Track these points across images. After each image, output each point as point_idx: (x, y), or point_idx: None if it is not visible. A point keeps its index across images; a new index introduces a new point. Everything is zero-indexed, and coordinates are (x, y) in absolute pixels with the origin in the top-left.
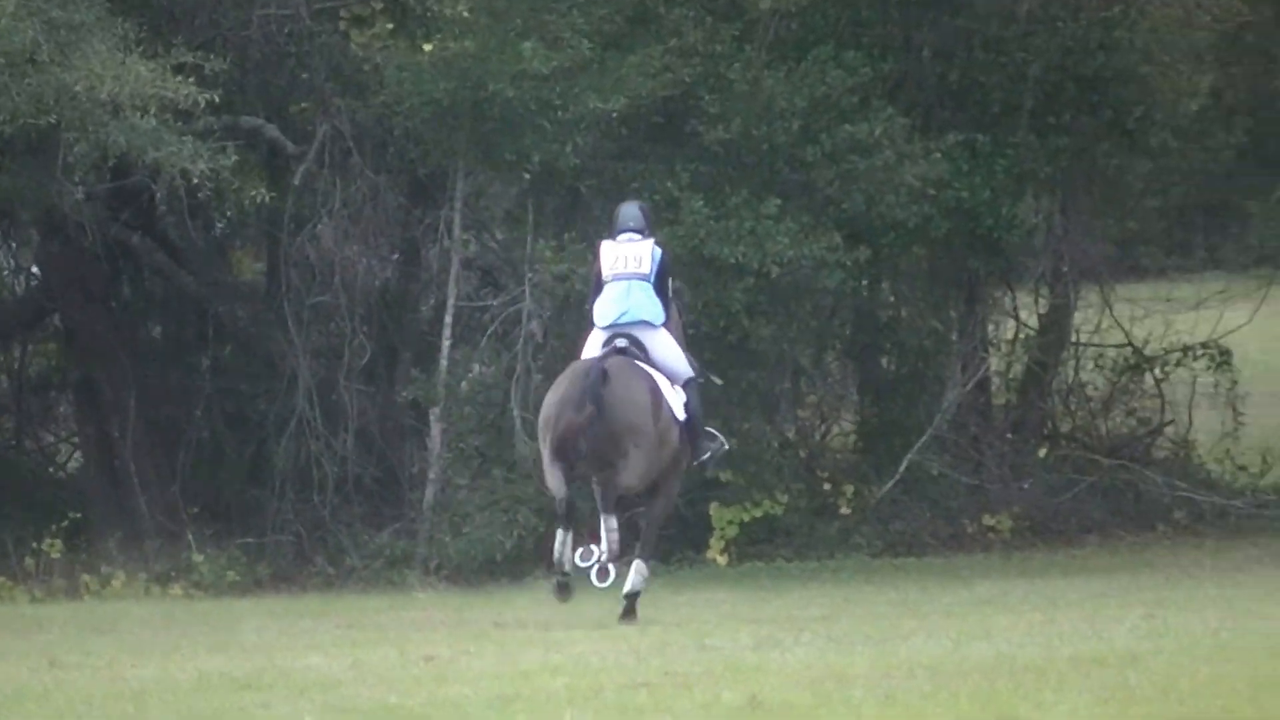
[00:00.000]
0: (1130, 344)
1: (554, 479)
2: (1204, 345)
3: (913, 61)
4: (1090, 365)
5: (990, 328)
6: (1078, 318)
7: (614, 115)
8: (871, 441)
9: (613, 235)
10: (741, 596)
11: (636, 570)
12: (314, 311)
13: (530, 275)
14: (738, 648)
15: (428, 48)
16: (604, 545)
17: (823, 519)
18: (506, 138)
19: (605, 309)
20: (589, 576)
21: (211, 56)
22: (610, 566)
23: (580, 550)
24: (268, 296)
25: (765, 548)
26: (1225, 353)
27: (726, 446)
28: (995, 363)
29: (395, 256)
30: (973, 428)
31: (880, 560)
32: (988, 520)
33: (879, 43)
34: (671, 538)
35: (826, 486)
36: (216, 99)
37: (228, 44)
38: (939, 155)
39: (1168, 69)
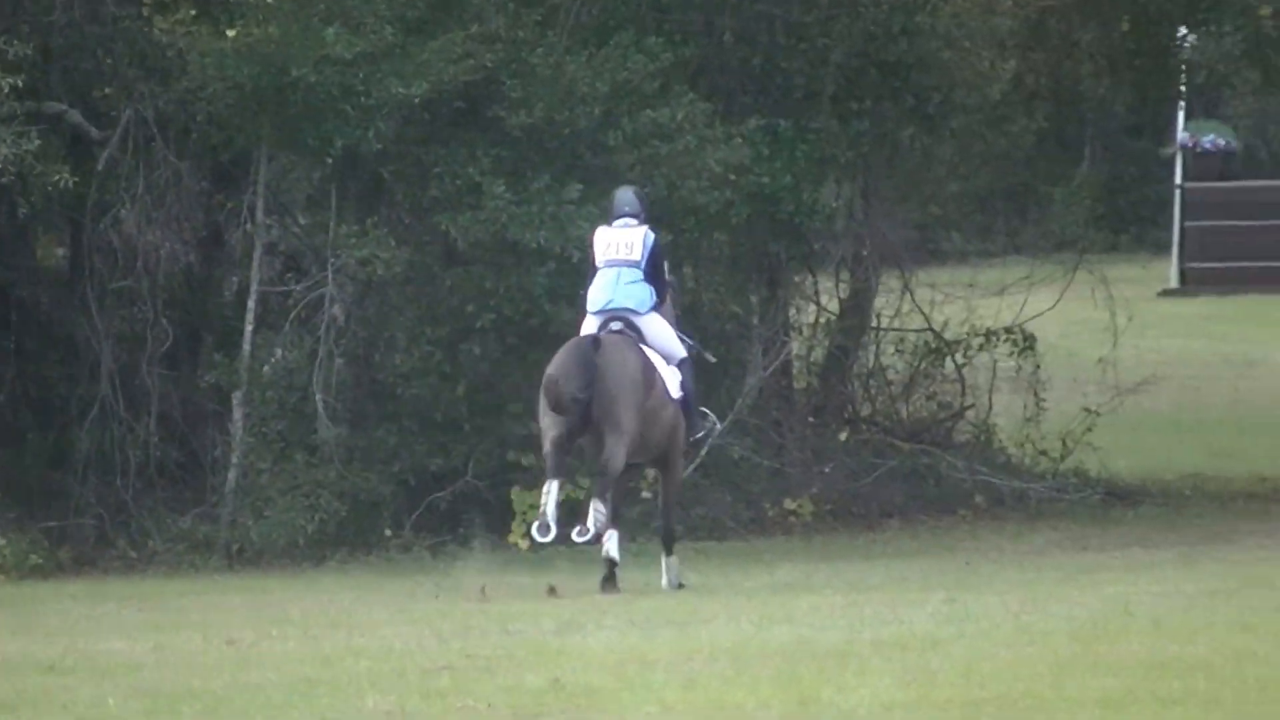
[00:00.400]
0: (931, 328)
1: (547, 434)
2: (1006, 330)
3: (714, 47)
4: (891, 350)
5: (791, 312)
6: (879, 302)
7: (416, 100)
8: None
9: (609, 221)
10: (543, 580)
11: (668, 568)
12: (116, 296)
13: (333, 260)
14: (540, 631)
15: (231, 33)
16: (590, 522)
17: (626, 503)
18: (309, 123)
19: (595, 295)
20: (549, 531)
21: (15, 41)
22: (590, 529)
23: (578, 528)
24: (71, 282)
25: (566, 531)
26: (1028, 337)
27: (719, 426)
28: (796, 347)
29: (198, 240)
30: (774, 412)
31: (683, 544)
32: (789, 504)
33: (681, 28)
34: (472, 521)
35: None
36: (20, 84)
37: (31, 29)
38: (740, 140)
39: (969, 54)
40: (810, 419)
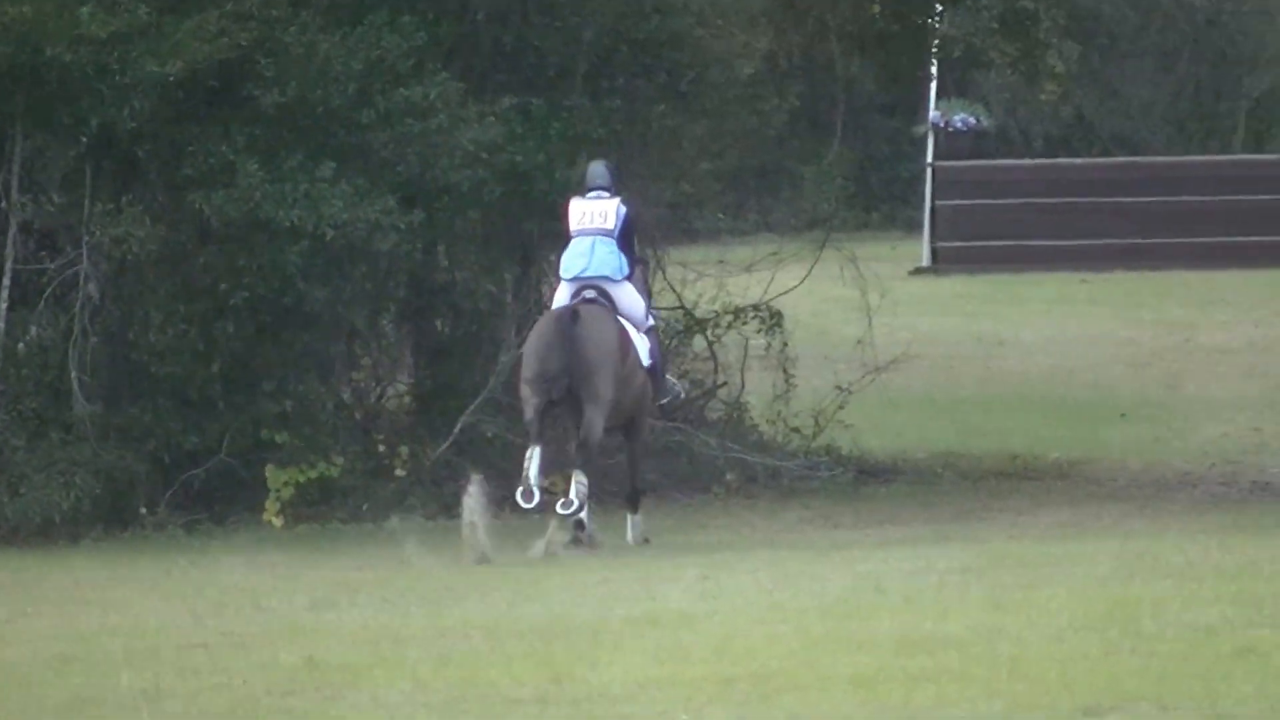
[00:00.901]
0: (683, 306)
1: (528, 411)
2: (755, 308)
3: (468, 25)
4: None
5: (544, 291)
6: None
7: (171, 79)
8: (426, 404)
9: (582, 193)
10: (297, 558)
11: (632, 525)
12: None
13: (87, 238)
14: (294, 609)
15: None
16: (572, 494)
17: (378, 481)
18: (64, 102)
19: (571, 262)
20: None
21: None
22: (574, 500)
23: (561, 500)
24: None
25: (321, 509)
26: (776, 315)
27: (683, 394)
28: None
29: None
30: None
31: (435, 522)
32: (542, 481)
33: (434, 7)
34: (227, 499)
35: (381, 449)
36: None
37: None
38: (493, 119)
39: (722, 32)
40: None
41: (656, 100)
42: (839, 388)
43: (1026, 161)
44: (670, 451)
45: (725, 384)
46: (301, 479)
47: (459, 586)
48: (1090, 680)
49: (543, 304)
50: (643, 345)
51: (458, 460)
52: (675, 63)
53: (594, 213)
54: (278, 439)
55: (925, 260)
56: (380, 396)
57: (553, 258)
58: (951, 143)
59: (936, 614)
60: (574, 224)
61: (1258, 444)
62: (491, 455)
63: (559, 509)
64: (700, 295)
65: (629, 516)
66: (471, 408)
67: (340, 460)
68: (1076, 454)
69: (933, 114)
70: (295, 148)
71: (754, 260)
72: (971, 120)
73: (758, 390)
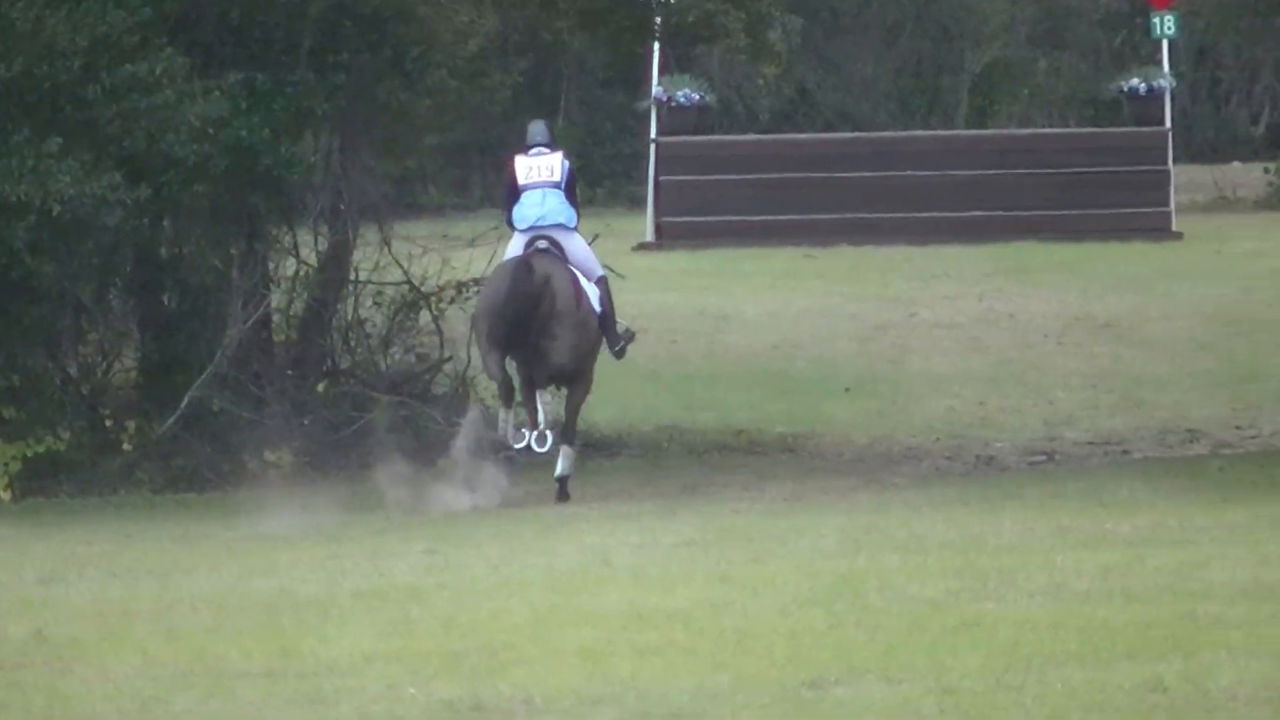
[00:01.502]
0: (409, 281)
1: (492, 364)
2: (476, 281)
3: (193, 1)
4: (370, 303)
5: (271, 265)
6: (357, 255)
7: None
8: (153, 378)
9: (525, 150)
10: (26, 533)
11: (565, 455)
12: None
13: None
14: (22, 583)
15: None
16: (540, 416)
17: (105, 455)
18: None
19: (524, 213)
20: (529, 446)
21: None
22: (548, 432)
23: (513, 432)
24: None
25: (48, 484)
26: None
27: (634, 336)
28: (276, 300)
29: None
30: (254, 364)
31: (163, 496)
32: (269, 456)
33: None
34: None
35: (109, 423)
36: None
37: None
38: (219, 94)
39: (448, 9)
40: (289, 371)
41: (382, 76)
42: None
43: (750, 137)
44: (397, 426)
45: (451, 358)
46: (29, 453)
47: (187, 560)
48: (816, 653)
49: (268, 278)
50: (593, 294)
51: (184, 435)
52: (401, 39)
53: (540, 166)
54: (4, 413)
55: (649, 236)
56: (107, 371)
57: (275, 232)
58: (675, 118)
59: (663, 588)
60: (521, 178)
61: (982, 418)
62: (217, 429)
63: (510, 441)
64: (426, 270)
65: (564, 448)
66: (198, 382)
67: (67, 435)
68: (802, 428)
69: (656, 90)
70: (21, 123)
71: (478, 235)
72: (695, 96)
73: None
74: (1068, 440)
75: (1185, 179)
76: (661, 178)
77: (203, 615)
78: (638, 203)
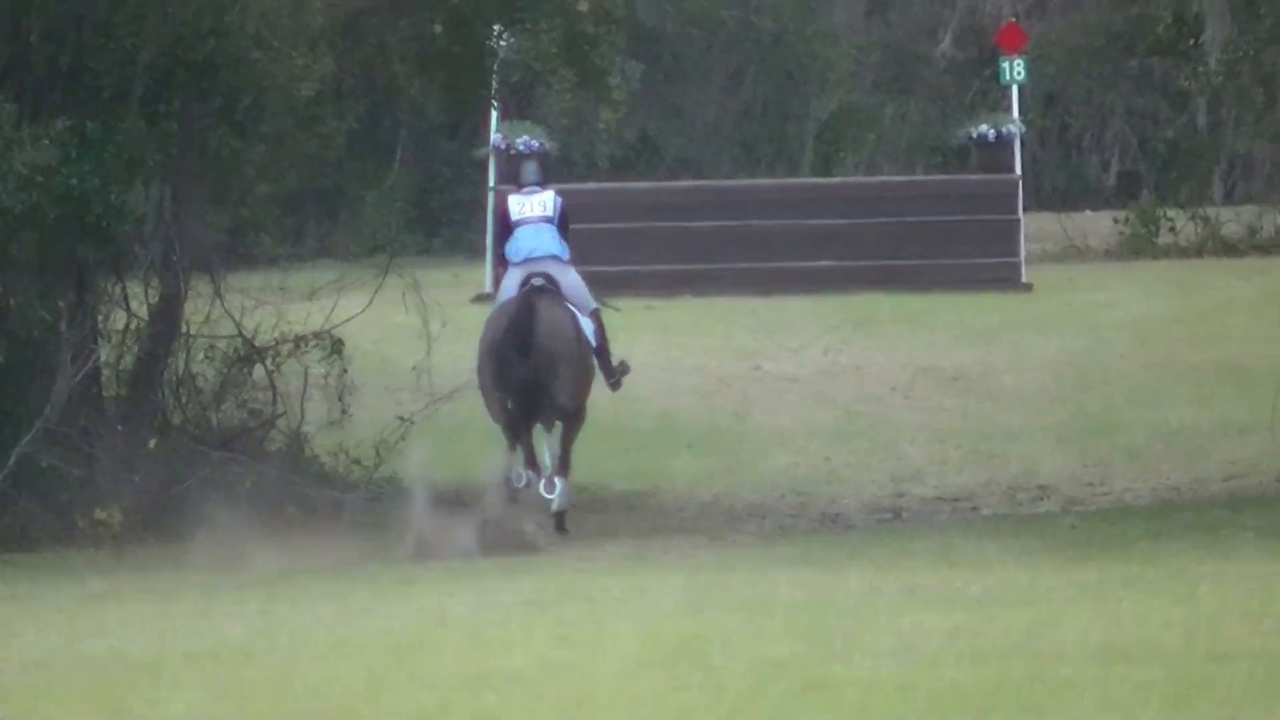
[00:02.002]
0: (242, 334)
1: (495, 406)
2: (316, 335)
3: (21, 46)
4: (202, 356)
5: (100, 318)
6: (189, 308)
7: None
8: None
9: (517, 188)
10: None
11: (562, 491)
12: None
13: None
14: None
15: None
16: (546, 460)
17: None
18: None
19: (519, 246)
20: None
21: None
22: (556, 479)
23: (543, 481)
24: None
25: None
26: (338, 343)
27: (630, 370)
28: (106, 354)
29: None
30: (83, 420)
31: None
32: (99, 514)
33: None
34: None
35: None
36: None
37: None
38: (48, 142)
39: (281, 54)
40: (120, 427)
41: (214, 124)
42: (400, 418)
43: (590, 185)
44: (229, 483)
45: (284, 413)
46: None
47: (15, 621)
48: (659, 715)
49: (98, 331)
50: (588, 328)
51: (12, 493)
52: (233, 85)
53: (533, 203)
54: None
55: (488, 287)
56: None
57: (105, 284)
58: (514, 166)
59: (502, 649)
60: (515, 214)
61: (827, 473)
62: (46, 486)
63: (513, 482)
64: (259, 324)
65: (559, 481)
66: (26, 439)
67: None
68: (643, 485)
69: (495, 136)
70: None
71: (315, 287)
72: (534, 143)
73: (318, 420)
74: (915, 496)
75: (1035, 228)
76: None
77: (32, 677)
78: (477, 252)
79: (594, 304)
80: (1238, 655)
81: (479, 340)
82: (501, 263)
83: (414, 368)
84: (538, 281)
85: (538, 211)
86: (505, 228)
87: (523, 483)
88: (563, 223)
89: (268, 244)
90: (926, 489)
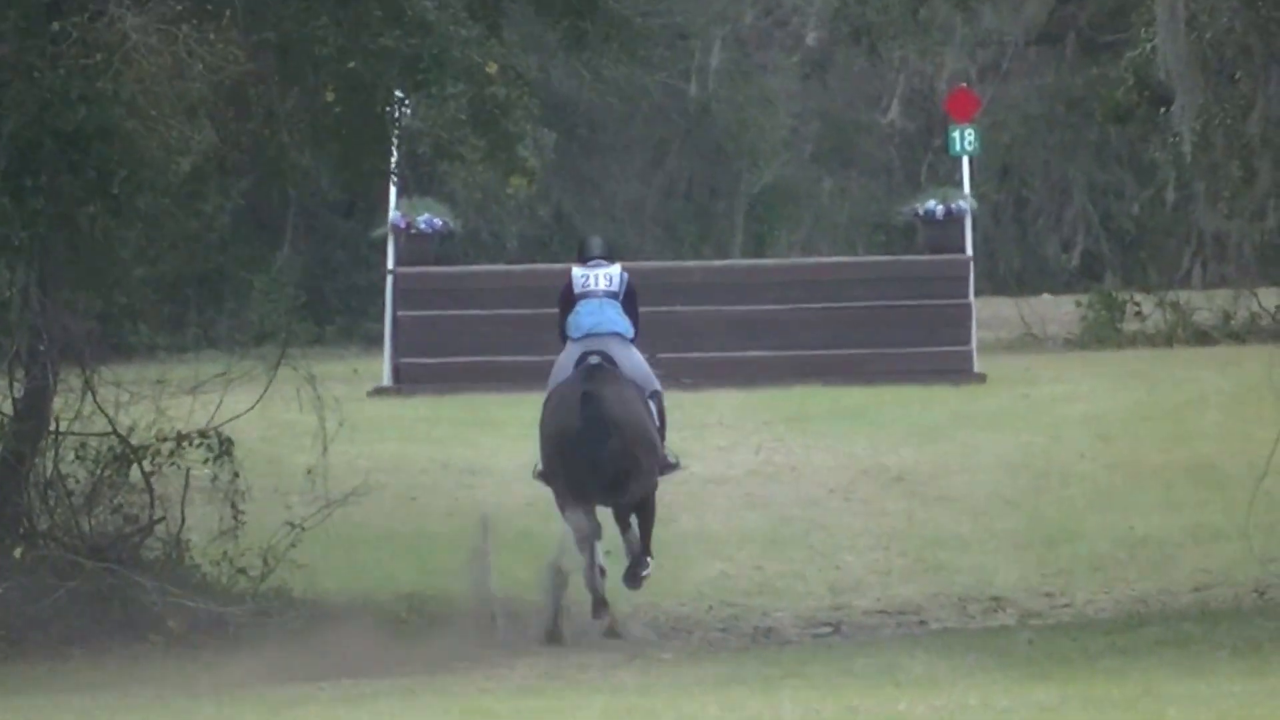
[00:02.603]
0: (116, 432)
1: (574, 514)
2: (201, 434)
3: None
4: (72, 456)
5: None
6: (58, 402)
7: None
8: None
9: (581, 262)
10: None
11: (647, 567)
12: None
13: None
14: None
15: None
16: (628, 554)
17: None
18: None
19: (580, 321)
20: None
21: None
22: (640, 572)
23: (628, 570)
24: None
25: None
26: (226, 442)
27: (680, 465)
28: None
29: None
30: None
31: None
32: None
33: None
34: None
35: None
36: None
37: None
38: None
39: (158, 124)
40: None
41: (85, 200)
42: (290, 524)
43: (499, 267)
44: (102, 595)
45: (163, 519)
46: None
47: None
48: None
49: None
50: (652, 407)
51: None
52: (106, 158)
53: (598, 276)
54: None
55: (386, 379)
56: None
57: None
58: (415, 246)
59: None
60: (578, 288)
61: (759, 584)
62: None
63: (627, 583)
64: (137, 420)
65: (645, 559)
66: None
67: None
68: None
69: (394, 215)
70: None
71: (200, 381)
72: (437, 222)
73: (200, 526)
74: (856, 609)
75: (989, 313)
76: (400, 313)
77: None
78: (374, 341)
79: (656, 385)
80: None
81: (540, 424)
82: (561, 339)
83: (309, 471)
84: (594, 359)
85: (602, 285)
86: (567, 302)
87: (605, 615)
88: (628, 299)
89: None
90: (868, 601)
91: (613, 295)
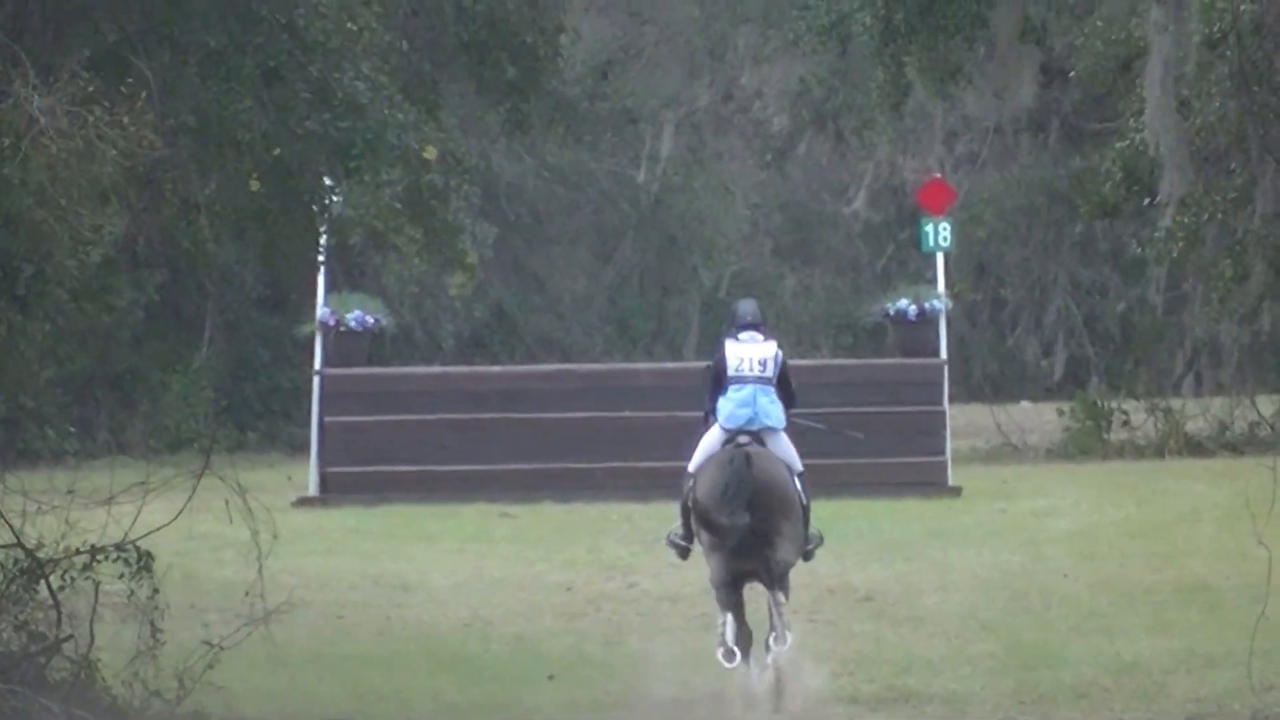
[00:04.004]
0: (21, 545)
1: (719, 572)
2: (118, 547)
3: None
4: None
5: None
6: None
7: None
8: None
9: (734, 331)
10: None
11: (789, 643)
12: None
13: None
14: None
15: None
16: (775, 619)
17: None
18: None
19: (733, 411)
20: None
21: None
22: (786, 634)
23: (773, 635)
24: None
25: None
26: (145, 555)
27: (822, 541)
28: None
29: None
30: None
31: None
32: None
33: None
34: None
35: None
36: None
37: None
38: None
39: (67, 212)
40: None
41: None
42: (208, 643)
43: (434, 369)
44: (4, 718)
45: (71, 637)
46: None
47: None
48: None
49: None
50: (797, 485)
51: None
52: (10, 251)
53: (753, 359)
54: None
55: (313, 488)
56: None
57: None
58: (344, 345)
59: None
60: (731, 367)
61: (715, 710)
62: None
63: (774, 645)
64: (43, 532)
65: (787, 635)
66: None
67: None
68: None
69: (322, 311)
70: None
71: (114, 491)
72: (368, 319)
73: (112, 645)
74: None
75: (964, 421)
76: (327, 418)
77: None
78: (299, 448)
79: (800, 466)
80: None
81: (691, 498)
82: (706, 417)
83: (247, 593)
84: (743, 439)
85: (755, 371)
86: (718, 380)
87: (735, 661)
88: (782, 380)
89: (52, 438)
90: None
91: (768, 382)
